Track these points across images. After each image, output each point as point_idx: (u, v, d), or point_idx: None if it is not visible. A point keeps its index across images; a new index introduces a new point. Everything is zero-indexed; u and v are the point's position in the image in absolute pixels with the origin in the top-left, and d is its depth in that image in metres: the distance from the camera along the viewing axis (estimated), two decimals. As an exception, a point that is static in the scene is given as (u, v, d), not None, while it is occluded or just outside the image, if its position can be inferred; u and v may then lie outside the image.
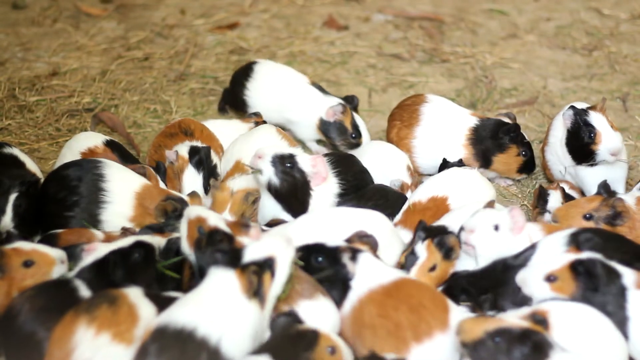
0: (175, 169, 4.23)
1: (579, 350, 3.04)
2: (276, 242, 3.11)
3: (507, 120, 4.57)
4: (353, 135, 4.69)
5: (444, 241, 3.57)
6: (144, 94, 5.40)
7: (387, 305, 3.17)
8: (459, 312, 3.24)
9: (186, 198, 3.96)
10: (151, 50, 5.86)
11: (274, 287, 3.07)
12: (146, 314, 3.09)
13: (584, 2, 6.46)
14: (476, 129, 4.51)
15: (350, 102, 4.82)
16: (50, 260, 3.38)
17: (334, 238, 3.43)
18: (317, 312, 3.20)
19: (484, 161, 4.51)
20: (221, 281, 3.04)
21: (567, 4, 6.47)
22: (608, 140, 4.17)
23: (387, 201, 4.04)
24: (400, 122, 4.59)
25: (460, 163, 4.30)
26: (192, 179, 4.22)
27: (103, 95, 5.35)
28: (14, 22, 6.19)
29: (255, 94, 4.93)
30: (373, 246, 3.42)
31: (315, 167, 3.96)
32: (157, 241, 3.52)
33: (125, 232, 3.70)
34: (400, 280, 3.28)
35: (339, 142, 4.70)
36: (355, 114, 4.77)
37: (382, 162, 4.41)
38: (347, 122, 4.68)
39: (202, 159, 4.24)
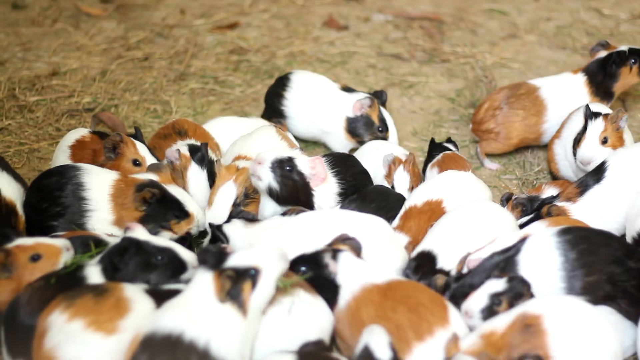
0: (179, 167, 4.24)
1: (576, 350, 3.04)
2: (266, 255, 3.11)
3: (602, 50, 4.74)
4: (380, 129, 4.69)
5: (431, 286, 3.51)
6: (144, 94, 5.40)
7: (385, 306, 3.18)
8: (456, 311, 3.26)
9: (155, 177, 3.97)
10: (151, 50, 5.86)
11: (257, 297, 3.07)
12: (142, 308, 3.10)
13: (584, 2, 6.47)
14: (590, 81, 4.70)
15: (379, 97, 4.82)
16: (56, 250, 3.41)
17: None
18: (309, 312, 3.22)
19: (610, 97, 4.74)
20: (200, 282, 3.05)
21: (567, 4, 6.47)
22: (583, 148, 4.26)
23: (389, 203, 4.05)
24: (524, 111, 4.71)
25: (449, 141, 4.53)
26: (196, 176, 4.22)
27: (103, 95, 5.36)
28: (14, 22, 6.19)
29: (293, 104, 4.87)
30: (355, 248, 3.43)
31: (314, 168, 3.96)
32: None
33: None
34: (395, 282, 3.30)
35: (367, 138, 4.70)
36: (383, 109, 4.76)
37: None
38: (374, 115, 4.69)
39: (203, 155, 4.24)
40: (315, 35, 6.10)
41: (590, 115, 4.28)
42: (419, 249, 3.72)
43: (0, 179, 3.94)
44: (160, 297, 3.17)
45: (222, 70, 5.67)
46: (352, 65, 5.77)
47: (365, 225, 3.66)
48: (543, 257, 3.40)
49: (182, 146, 4.31)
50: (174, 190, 3.96)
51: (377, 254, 3.59)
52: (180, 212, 3.92)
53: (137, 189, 3.87)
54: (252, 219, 3.77)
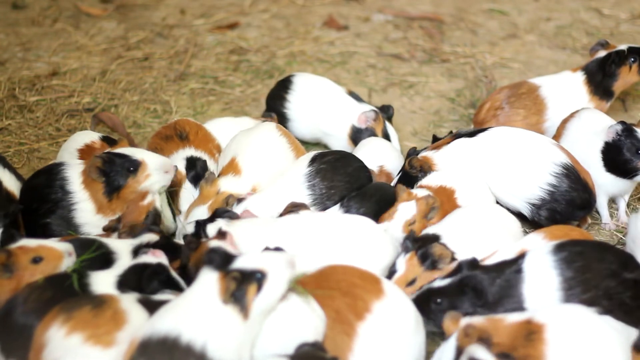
0: (174, 184, 4.24)
1: None
2: (274, 259, 3.09)
3: (601, 50, 4.76)
4: None
5: (428, 253, 3.55)
6: (144, 94, 5.40)
7: (322, 296, 3.23)
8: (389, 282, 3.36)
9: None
10: (151, 50, 5.86)
11: (261, 301, 3.04)
12: (137, 319, 3.09)
13: (584, 2, 6.47)
14: (589, 80, 4.72)
15: (385, 112, 4.79)
16: (58, 254, 3.42)
17: (320, 243, 3.59)
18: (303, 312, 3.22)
19: (610, 96, 4.74)
20: (205, 282, 3.03)
21: (567, 3, 6.47)
22: None
23: (389, 198, 4.04)
24: (525, 110, 4.71)
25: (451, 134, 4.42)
26: (189, 195, 4.24)
27: (103, 95, 5.35)
28: (14, 22, 6.19)
29: (295, 106, 4.86)
30: None
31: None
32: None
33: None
34: (327, 268, 3.35)
35: None
36: (388, 124, 4.75)
37: (380, 160, 4.42)
38: (379, 129, 4.65)
39: (198, 175, 4.25)
40: (315, 35, 6.10)
41: (629, 127, 4.12)
42: (423, 232, 3.77)
43: (2, 175, 4.01)
44: (151, 306, 3.15)
45: (222, 70, 5.67)
46: (352, 65, 5.77)
47: (350, 225, 3.68)
48: (542, 277, 3.38)
49: (181, 160, 4.31)
50: (120, 149, 3.99)
51: (364, 253, 3.61)
52: (130, 163, 3.92)
53: (90, 164, 3.91)
54: (237, 218, 3.77)
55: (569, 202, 4.03)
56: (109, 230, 3.81)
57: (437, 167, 4.14)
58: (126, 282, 3.37)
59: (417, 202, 3.83)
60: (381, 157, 4.42)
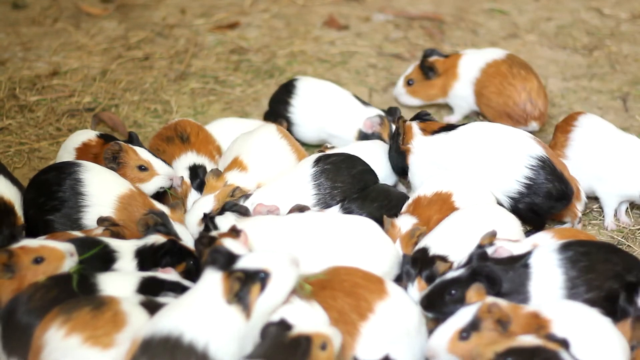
0: (180, 194, 4.27)
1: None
2: (278, 259, 3.09)
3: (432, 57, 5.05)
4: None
5: (433, 274, 3.56)
6: (144, 94, 5.40)
7: (325, 296, 3.25)
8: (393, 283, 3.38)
9: (167, 211, 3.92)
10: (151, 50, 5.86)
11: (264, 300, 3.04)
12: (138, 320, 3.09)
13: (584, 2, 6.47)
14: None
15: (392, 115, 4.70)
16: (59, 255, 3.41)
17: (321, 243, 3.59)
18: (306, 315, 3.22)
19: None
20: (208, 282, 3.04)
21: (567, 3, 6.47)
22: None
23: (391, 202, 4.05)
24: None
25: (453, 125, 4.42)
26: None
27: (103, 95, 5.36)
28: (14, 21, 6.19)
29: (299, 110, 4.84)
30: None
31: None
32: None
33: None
34: (329, 270, 3.36)
35: None
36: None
37: (378, 162, 4.41)
38: (385, 133, 4.62)
39: (202, 182, 4.24)
40: (316, 35, 6.10)
41: None
42: (416, 247, 3.76)
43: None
44: (154, 309, 3.14)
45: (223, 70, 5.67)
46: (352, 65, 5.77)
47: (352, 226, 3.68)
48: (547, 274, 3.38)
49: (184, 169, 4.33)
50: (179, 230, 3.85)
51: (364, 255, 3.60)
52: (176, 254, 3.74)
53: (145, 212, 3.82)
54: (245, 213, 3.77)
55: (545, 194, 4.01)
56: (100, 223, 3.77)
57: (413, 149, 4.17)
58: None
59: (401, 240, 3.82)
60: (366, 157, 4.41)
